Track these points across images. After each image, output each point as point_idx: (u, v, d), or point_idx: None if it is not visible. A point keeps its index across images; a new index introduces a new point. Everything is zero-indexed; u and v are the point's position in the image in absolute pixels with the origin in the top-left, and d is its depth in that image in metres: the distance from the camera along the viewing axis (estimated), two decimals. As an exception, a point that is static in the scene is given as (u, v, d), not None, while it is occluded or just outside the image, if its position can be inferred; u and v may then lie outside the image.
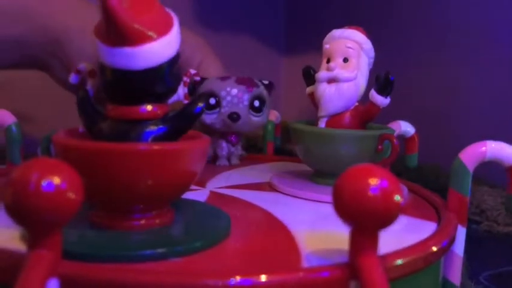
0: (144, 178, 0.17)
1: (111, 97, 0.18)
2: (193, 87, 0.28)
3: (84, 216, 0.19)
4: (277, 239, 0.20)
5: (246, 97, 0.32)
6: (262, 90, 0.33)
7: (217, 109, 0.32)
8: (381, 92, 0.26)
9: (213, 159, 0.34)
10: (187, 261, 0.16)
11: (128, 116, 0.18)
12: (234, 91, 0.32)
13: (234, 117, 0.32)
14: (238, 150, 0.35)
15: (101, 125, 0.18)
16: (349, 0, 0.58)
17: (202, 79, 0.33)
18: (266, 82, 0.34)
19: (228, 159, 0.35)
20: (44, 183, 0.13)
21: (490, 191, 0.37)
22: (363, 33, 0.27)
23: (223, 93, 0.32)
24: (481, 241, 0.32)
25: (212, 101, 0.32)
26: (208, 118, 0.33)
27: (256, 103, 0.33)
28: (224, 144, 0.34)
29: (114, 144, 0.17)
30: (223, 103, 0.32)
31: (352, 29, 0.27)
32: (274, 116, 0.39)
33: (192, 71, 0.22)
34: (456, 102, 0.48)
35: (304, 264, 0.17)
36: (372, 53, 0.27)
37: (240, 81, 0.33)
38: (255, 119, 0.33)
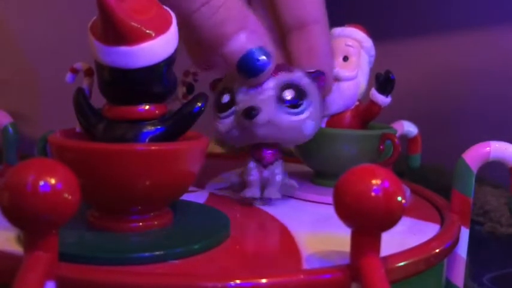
0: (142, 179, 0.17)
1: (108, 97, 0.18)
2: (191, 87, 0.27)
3: (81, 218, 0.18)
4: (278, 241, 0.19)
5: (271, 84, 0.22)
6: (301, 78, 0.22)
7: (233, 108, 0.22)
8: (382, 91, 0.25)
9: (241, 187, 0.23)
10: (186, 263, 0.16)
11: (125, 116, 0.18)
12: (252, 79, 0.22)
13: (250, 113, 0.21)
14: (276, 175, 0.23)
15: (98, 125, 0.18)
16: None
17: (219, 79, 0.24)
18: (311, 70, 0.23)
19: (262, 188, 0.23)
20: (40, 183, 0.12)
21: (493, 191, 0.37)
22: (363, 31, 0.26)
23: (237, 84, 0.22)
24: (484, 242, 0.32)
25: (226, 98, 0.22)
26: (222, 124, 0.22)
27: (289, 93, 0.21)
28: (252, 164, 0.23)
29: (111, 145, 0.17)
30: (239, 97, 0.22)
31: (352, 27, 0.26)
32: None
33: (192, 70, 0.22)
34: (459, 102, 0.47)
35: (305, 266, 0.17)
36: (373, 51, 0.27)
37: None
38: (289, 118, 0.22)
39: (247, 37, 0.21)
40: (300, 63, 0.24)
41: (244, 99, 0.21)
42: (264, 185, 0.23)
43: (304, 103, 0.22)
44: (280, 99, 0.21)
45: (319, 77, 0.23)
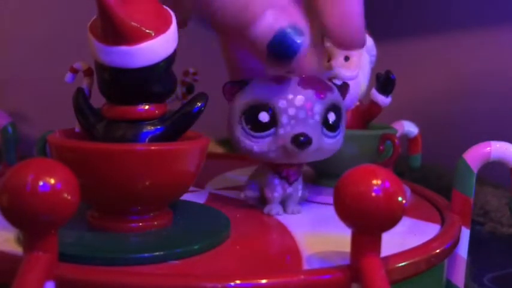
0: (142, 179, 0.17)
1: (108, 96, 0.18)
2: (191, 87, 0.27)
3: (81, 218, 0.18)
4: (278, 241, 0.19)
5: (319, 108, 0.20)
6: (338, 96, 0.22)
7: (273, 129, 0.20)
8: (382, 91, 0.25)
9: (262, 203, 0.23)
10: (186, 263, 0.16)
11: (124, 116, 0.18)
12: (300, 100, 0.20)
13: (301, 141, 0.20)
14: (299, 190, 0.23)
15: (98, 125, 0.18)
16: None
17: (242, 81, 0.21)
18: (338, 83, 0.23)
19: (283, 203, 0.23)
20: (39, 183, 0.12)
21: (493, 191, 0.37)
22: (364, 31, 0.26)
23: (282, 104, 0.20)
24: (484, 242, 0.32)
25: (264, 116, 0.20)
26: (257, 144, 0.21)
27: (332, 116, 0.21)
28: (276, 181, 0.22)
29: (111, 145, 0.17)
30: (283, 119, 0.20)
31: (354, 27, 0.26)
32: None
33: (191, 70, 0.22)
34: (461, 102, 0.47)
35: (305, 266, 0.16)
36: (374, 51, 0.27)
37: (305, 83, 0.21)
38: (329, 141, 0.21)
39: (274, 15, 0.18)
40: (331, 28, 0.20)
41: (290, 122, 0.20)
42: (284, 199, 0.22)
43: (341, 124, 0.22)
44: (324, 123, 0.21)
45: (344, 88, 0.22)
